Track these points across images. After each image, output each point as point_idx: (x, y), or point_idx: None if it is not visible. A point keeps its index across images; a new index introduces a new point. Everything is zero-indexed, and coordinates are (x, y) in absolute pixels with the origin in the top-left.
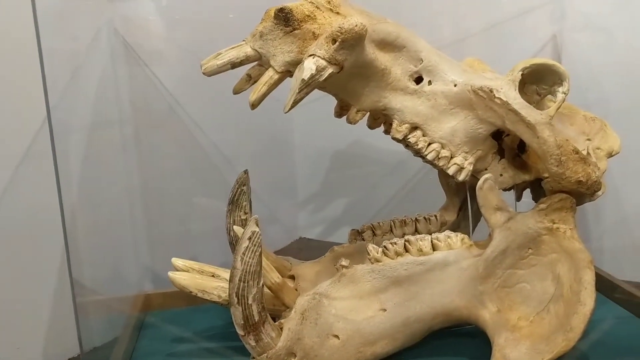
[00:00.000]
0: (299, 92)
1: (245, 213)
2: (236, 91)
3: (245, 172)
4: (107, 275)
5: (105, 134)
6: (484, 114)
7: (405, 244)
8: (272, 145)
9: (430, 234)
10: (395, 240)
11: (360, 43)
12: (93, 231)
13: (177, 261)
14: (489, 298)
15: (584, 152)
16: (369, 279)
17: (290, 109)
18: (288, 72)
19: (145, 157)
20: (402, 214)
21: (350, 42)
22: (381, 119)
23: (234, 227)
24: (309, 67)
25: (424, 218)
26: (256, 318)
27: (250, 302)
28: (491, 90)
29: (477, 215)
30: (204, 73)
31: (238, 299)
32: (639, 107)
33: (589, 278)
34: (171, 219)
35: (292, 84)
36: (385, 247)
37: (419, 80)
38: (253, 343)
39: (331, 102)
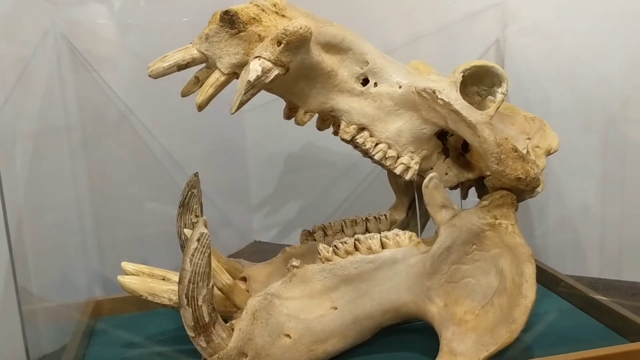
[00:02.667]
0: (245, 93)
1: (197, 216)
2: (184, 94)
3: (196, 175)
4: (55, 281)
5: (53, 139)
6: (427, 114)
7: (355, 243)
8: (224, 148)
9: (380, 233)
10: (345, 239)
11: (305, 45)
12: (40, 237)
13: (127, 265)
14: (436, 293)
15: (524, 151)
16: (320, 278)
17: (236, 110)
18: (234, 74)
19: (94, 163)
20: (355, 214)
21: (295, 44)
22: (329, 120)
23: (184, 230)
24: (254, 68)
25: (374, 217)
26: (206, 319)
27: (200, 303)
28: (434, 92)
29: (427, 214)
30: (149, 75)
31: (188, 300)
32: (579, 108)
33: (530, 271)
34: (121, 224)
35: (238, 86)
36: (335, 246)
37: (365, 82)
38: (204, 344)
39: (282, 104)
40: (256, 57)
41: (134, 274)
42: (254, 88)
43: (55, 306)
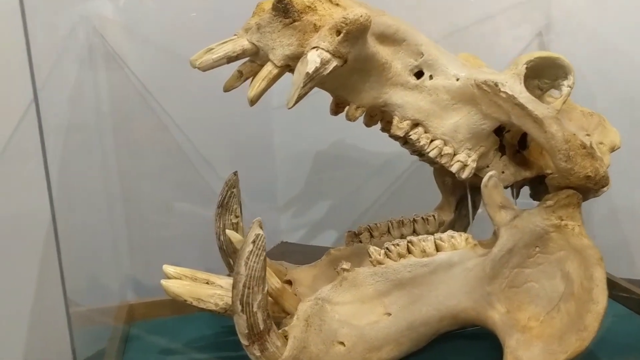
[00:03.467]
0: (304, 86)
1: (237, 216)
2: (227, 89)
3: (235, 173)
4: (87, 285)
5: (82, 136)
6: (487, 109)
7: (408, 245)
8: (250, 146)
9: (430, 234)
10: (397, 241)
11: (364, 35)
12: (71, 239)
13: (169, 268)
14: (497, 298)
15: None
16: (372, 282)
17: (294, 104)
18: (287, 66)
19: (123, 161)
20: (387, 215)
21: (355, 33)
22: (378, 116)
23: (227, 231)
24: (312, 59)
25: (422, 218)
26: (261, 326)
27: (255, 309)
28: (496, 84)
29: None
30: (198, 68)
31: (242, 306)
32: (624, 106)
33: (600, 275)
34: (150, 223)
35: (294, 78)
36: (387, 248)
37: (419, 74)
38: (258, 353)
39: (311, 101)
40: (314, 47)
41: (176, 277)
42: (312, 81)
43: (87, 310)
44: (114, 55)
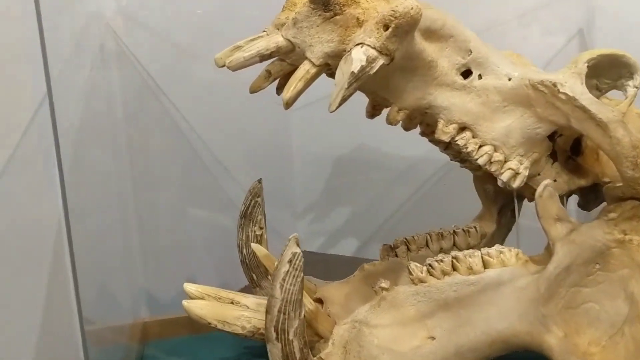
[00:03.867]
0: (349, 87)
1: (261, 228)
2: (253, 90)
3: (259, 181)
4: (99, 299)
5: (94, 138)
6: (544, 111)
7: (452, 262)
8: (268, 150)
9: (471, 248)
10: (441, 257)
11: (414, 29)
12: (82, 250)
13: (190, 287)
14: (554, 321)
15: None
16: (413, 302)
17: (337, 107)
18: (326, 65)
19: (135, 164)
20: (412, 224)
21: (405, 28)
22: (417, 118)
23: (253, 245)
24: (358, 57)
25: (463, 230)
26: (297, 356)
27: (291, 337)
28: (554, 85)
29: (510, 224)
30: (228, 67)
31: (277, 333)
32: None
33: None
34: (163, 230)
35: (337, 79)
36: (430, 265)
37: (466, 74)
38: None
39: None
40: (358, 44)
41: (198, 297)
42: (357, 81)
43: (99, 329)
44: (128, 54)
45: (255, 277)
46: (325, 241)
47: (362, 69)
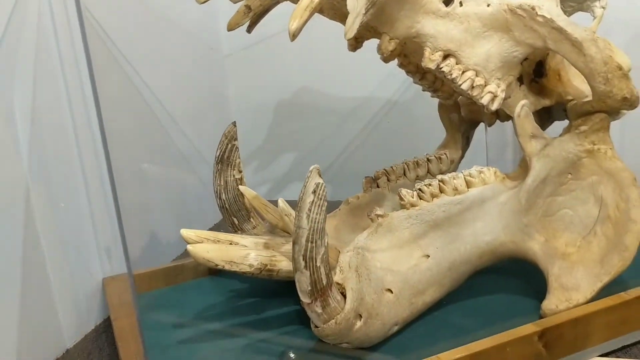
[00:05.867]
0: (366, 12)
1: (240, 171)
2: (231, 26)
3: (234, 124)
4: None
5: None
6: (521, 35)
7: (439, 185)
8: (205, 98)
9: (442, 174)
10: (429, 181)
11: None
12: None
13: (188, 232)
14: (535, 229)
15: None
16: (407, 225)
17: (353, 34)
18: None
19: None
20: (360, 162)
21: None
22: (397, 50)
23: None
24: None
25: (435, 157)
26: (324, 281)
27: (318, 264)
28: (533, 8)
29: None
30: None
31: (305, 262)
32: None
33: (635, 195)
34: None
35: (350, 5)
36: (420, 189)
37: (447, 2)
38: (319, 310)
39: (267, 47)
40: None
41: (197, 242)
42: (374, 6)
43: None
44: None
45: (236, 221)
46: (270, 188)
47: None
